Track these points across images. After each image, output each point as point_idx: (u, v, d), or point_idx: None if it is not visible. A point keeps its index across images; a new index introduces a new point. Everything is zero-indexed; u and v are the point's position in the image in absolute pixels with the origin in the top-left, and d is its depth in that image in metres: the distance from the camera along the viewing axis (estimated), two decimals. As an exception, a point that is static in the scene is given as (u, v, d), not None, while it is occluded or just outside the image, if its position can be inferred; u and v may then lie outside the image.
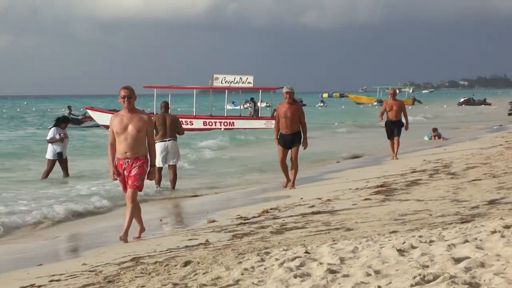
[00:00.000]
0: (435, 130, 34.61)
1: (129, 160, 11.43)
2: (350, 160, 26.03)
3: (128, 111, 11.47)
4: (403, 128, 23.91)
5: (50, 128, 21.65)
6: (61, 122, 21.42)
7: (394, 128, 23.80)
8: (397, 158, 23.49)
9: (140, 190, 11.73)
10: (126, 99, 11.42)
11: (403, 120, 24.08)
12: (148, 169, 11.62)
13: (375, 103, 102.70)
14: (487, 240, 6.76)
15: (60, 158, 21.15)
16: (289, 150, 17.34)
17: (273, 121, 54.10)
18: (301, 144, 17.20)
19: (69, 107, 63.94)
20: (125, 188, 11.61)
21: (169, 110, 19.60)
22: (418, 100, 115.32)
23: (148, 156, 11.60)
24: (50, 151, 21.10)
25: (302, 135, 17.26)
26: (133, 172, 11.41)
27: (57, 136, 20.96)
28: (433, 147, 29.15)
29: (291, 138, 17.23)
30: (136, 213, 11.67)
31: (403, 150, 27.61)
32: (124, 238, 11.44)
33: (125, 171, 11.46)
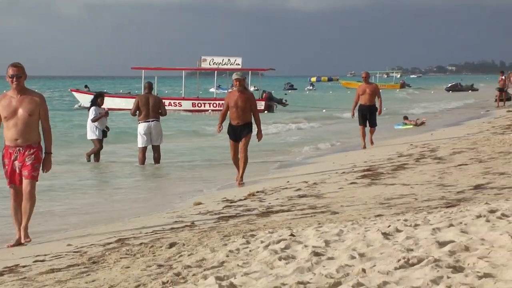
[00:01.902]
0: (405, 117, 33.62)
1: (21, 149, 9.98)
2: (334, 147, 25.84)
3: (18, 92, 9.98)
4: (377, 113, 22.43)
5: (90, 108, 20.57)
6: (98, 98, 20.53)
7: (367, 114, 22.30)
8: (372, 145, 22.11)
9: (36, 181, 10.13)
10: (14, 78, 9.92)
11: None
12: (44, 157, 10.18)
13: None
14: (472, 225, 6.78)
15: (105, 136, 20.41)
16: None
17: (263, 103, 54.17)
18: (256, 137, 15.72)
19: (86, 86, 63.57)
20: (12, 181, 10.12)
21: (155, 92, 19.64)
22: (407, 84, 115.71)
23: (43, 144, 10.18)
24: (91, 131, 20.19)
25: (254, 126, 15.77)
26: (28, 161, 9.95)
27: (99, 113, 20.14)
28: (415, 124, 29.16)
29: (242, 128, 15.64)
30: (31, 208, 10.08)
31: (391, 135, 27.66)
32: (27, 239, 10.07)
33: (15, 161, 10.01)
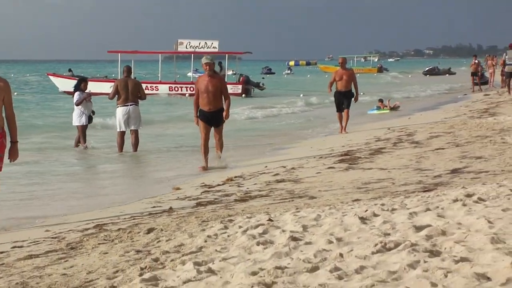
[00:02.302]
0: (381, 100, 33.26)
1: None
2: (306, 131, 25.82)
3: None
4: (353, 100, 22.24)
5: (74, 93, 20.31)
6: (81, 83, 20.32)
7: (343, 99, 22.12)
8: (347, 132, 21.89)
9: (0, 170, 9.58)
10: None
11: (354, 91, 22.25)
12: (10, 146, 9.59)
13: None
14: (448, 209, 6.83)
15: (91, 121, 20.26)
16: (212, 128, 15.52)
17: (240, 86, 54.06)
18: (223, 116, 15.41)
19: (70, 70, 63.18)
20: None
21: (132, 75, 19.57)
22: (385, 68, 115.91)
23: (7, 130, 9.57)
24: (77, 116, 20.02)
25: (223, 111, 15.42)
26: None
27: (83, 96, 19.93)
28: (390, 108, 29.30)
29: (214, 115, 15.34)
30: None
31: (368, 119, 27.74)
32: None
33: None
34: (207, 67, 15.15)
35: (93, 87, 49.90)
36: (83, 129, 20.03)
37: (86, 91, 20.31)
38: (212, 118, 15.34)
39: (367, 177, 11.76)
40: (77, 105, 19.99)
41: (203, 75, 15.43)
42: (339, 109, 22.31)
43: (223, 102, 15.42)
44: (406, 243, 5.45)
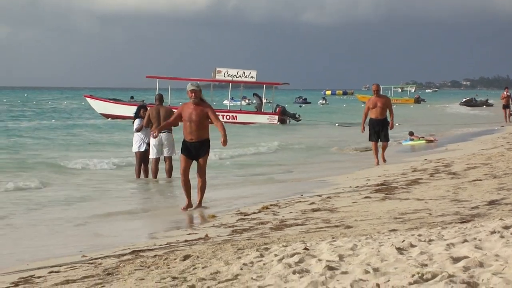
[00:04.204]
0: (411, 133, 32.67)
1: None
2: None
3: None
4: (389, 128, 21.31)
5: (134, 120, 20.18)
6: (141, 110, 20.23)
7: (378, 129, 21.28)
8: (385, 162, 21.19)
9: None
10: None
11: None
12: None
13: None
14: (486, 240, 6.78)
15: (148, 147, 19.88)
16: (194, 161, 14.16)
17: (276, 116, 54.40)
18: (221, 142, 13.73)
19: (132, 97, 64.25)
20: None
21: (169, 102, 19.74)
22: (422, 99, 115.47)
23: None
24: (137, 143, 19.97)
25: (209, 144, 14.08)
26: None
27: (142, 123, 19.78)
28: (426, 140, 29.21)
29: (197, 146, 13.93)
30: None
31: (404, 150, 27.62)
32: None
33: None
34: (193, 94, 13.80)
35: (122, 110, 50.53)
36: (141, 155, 19.96)
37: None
38: (194, 150, 13.96)
39: (404, 207, 11.70)
40: (137, 131, 20.07)
41: (188, 103, 14.00)
42: (374, 138, 21.45)
43: (208, 133, 14.02)
44: (443, 274, 5.41)
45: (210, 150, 14.21)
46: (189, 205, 14.04)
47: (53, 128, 46.17)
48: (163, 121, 18.90)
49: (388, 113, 21.62)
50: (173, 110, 20.42)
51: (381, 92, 22.47)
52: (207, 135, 13.98)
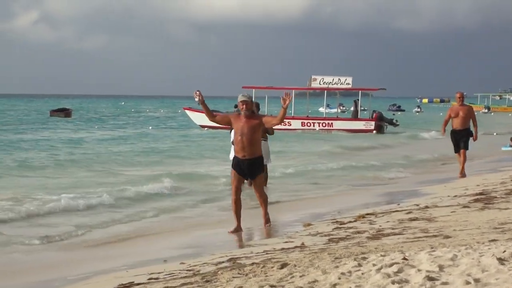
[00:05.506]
0: None
1: None
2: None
3: None
4: (471, 139, 20.33)
5: (231, 130, 20.63)
6: None
7: (460, 139, 20.27)
8: (464, 176, 20.19)
9: None
10: None
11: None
12: None
13: (485, 110, 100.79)
14: None
15: None
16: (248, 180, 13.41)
17: (373, 122, 54.24)
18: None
19: (235, 106, 64.70)
20: None
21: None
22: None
23: None
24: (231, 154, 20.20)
25: (263, 161, 12.92)
26: None
27: None
28: None
29: (249, 167, 12.66)
30: None
31: (503, 158, 27.10)
32: None
33: None
34: (244, 106, 12.62)
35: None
36: None
37: None
38: (247, 168, 12.71)
39: (504, 217, 11.48)
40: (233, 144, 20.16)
41: (239, 116, 12.75)
42: (458, 150, 20.52)
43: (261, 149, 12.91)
44: (547, 286, 5.31)
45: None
46: (238, 228, 12.80)
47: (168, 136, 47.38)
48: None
49: (471, 123, 20.48)
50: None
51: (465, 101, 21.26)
52: (259, 152, 12.77)
